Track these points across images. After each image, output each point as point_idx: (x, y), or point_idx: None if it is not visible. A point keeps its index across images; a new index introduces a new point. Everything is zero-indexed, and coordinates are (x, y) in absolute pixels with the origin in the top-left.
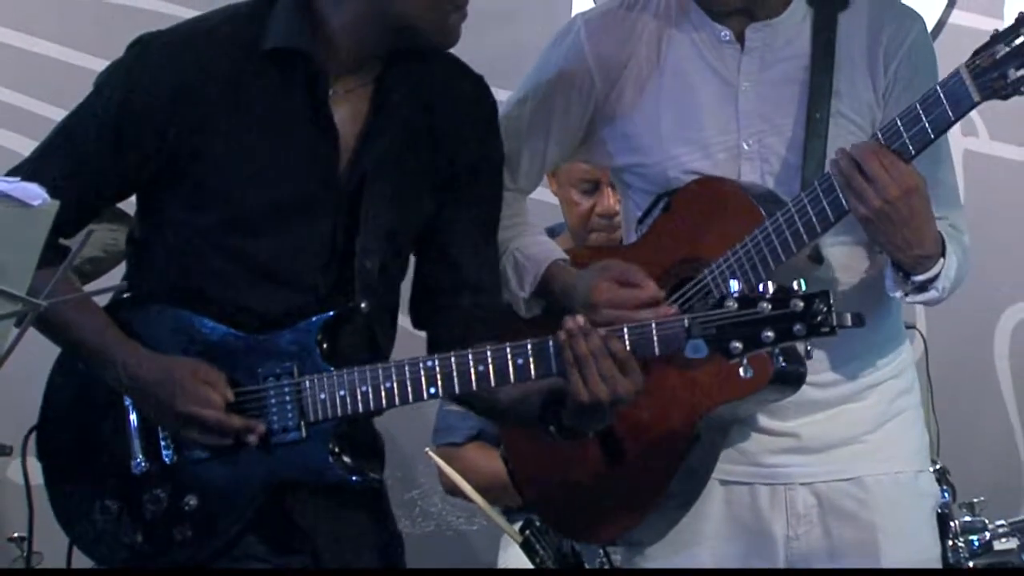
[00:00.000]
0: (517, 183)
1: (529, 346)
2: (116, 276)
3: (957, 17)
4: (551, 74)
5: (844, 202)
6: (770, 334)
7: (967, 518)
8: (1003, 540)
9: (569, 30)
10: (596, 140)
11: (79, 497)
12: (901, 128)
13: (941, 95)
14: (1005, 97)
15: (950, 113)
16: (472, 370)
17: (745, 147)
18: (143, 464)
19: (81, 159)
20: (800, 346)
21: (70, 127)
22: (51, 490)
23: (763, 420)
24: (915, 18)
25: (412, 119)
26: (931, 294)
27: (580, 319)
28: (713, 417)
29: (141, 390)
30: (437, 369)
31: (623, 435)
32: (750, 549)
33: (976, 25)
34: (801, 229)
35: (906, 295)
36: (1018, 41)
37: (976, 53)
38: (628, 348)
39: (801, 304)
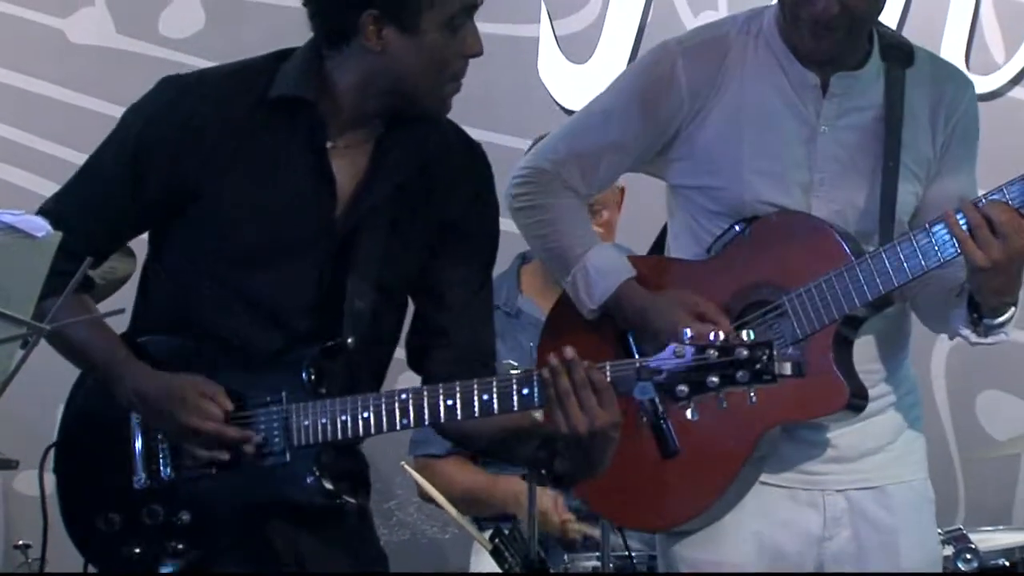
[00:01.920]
0: (590, 188)
1: (495, 383)
2: (116, 301)
3: None
4: (642, 96)
5: (943, 252)
6: (715, 379)
7: None
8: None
9: (664, 57)
10: (670, 158)
11: (87, 508)
12: None
13: None
14: None
15: None
16: (441, 403)
17: (817, 186)
18: (144, 480)
19: (102, 189)
20: (744, 391)
21: (94, 160)
22: (63, 501)
23: (807, 431)
24: (968, 82)
25: (408, 179)
26: (1000, 336)
27: (569, 351)
28: (775, 430)
29: (146, 404)
30: (410, 401)
31: (681, 437)
32: (787, 546)
33: None
34: (892, 274)
35: (978, 337)
36: None
37: None
38: (609, 381)
39: (745, 352)
